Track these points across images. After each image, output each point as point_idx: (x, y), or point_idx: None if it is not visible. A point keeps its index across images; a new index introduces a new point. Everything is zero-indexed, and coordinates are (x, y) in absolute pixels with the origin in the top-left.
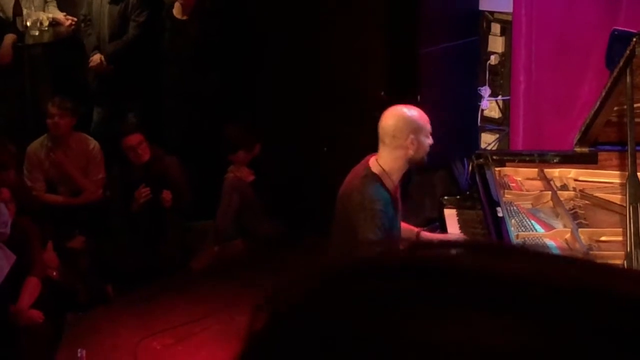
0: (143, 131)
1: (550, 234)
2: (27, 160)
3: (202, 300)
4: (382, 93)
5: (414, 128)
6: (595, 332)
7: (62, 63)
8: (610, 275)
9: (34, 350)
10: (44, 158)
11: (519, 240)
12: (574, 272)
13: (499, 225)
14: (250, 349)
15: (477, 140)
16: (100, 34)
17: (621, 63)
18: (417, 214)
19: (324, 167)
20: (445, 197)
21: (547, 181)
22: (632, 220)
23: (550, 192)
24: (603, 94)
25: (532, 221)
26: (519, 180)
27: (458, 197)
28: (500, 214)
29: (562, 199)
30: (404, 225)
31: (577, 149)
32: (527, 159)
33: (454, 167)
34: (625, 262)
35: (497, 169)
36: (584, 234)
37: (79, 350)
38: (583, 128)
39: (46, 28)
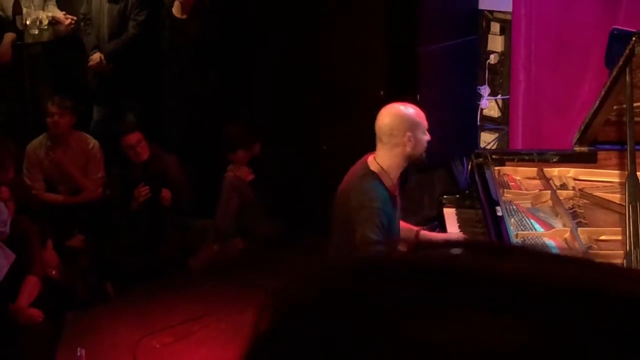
0: (142, 130)
1: (549, 233)
2: (26, 159)
3: (201, 299)
4: (382, 92)
5: (410, 125)
6: (595, 332)
7: (62, 62)
8: (610, 274)
9: (34, 349)
10: (43, 157)
11: (518, 240)
12: (574, 271)
13: (499, 224)
14: (253, 349)
15: (477, 139)
16: (100, 33)
17: (621, 62)
18: (416, 213)
19: (323, 167)
20: (445, 196)
21: (546, 180)
22: (631, 220)
23: (549, 191)
24: (602, 93)
25: (532, 220)
26: (519, 179)
27: (457, 196)
28: (499, 213)
29: (561, 198)
30: (403, 225)
31: (577, 148)
32: (527, 158)
33: (453, 166)
34: (624, 261)
35: (496, 168)
36: (583, 233)
37: (78, 349)
38: (582, 127)
39: (46, 27)
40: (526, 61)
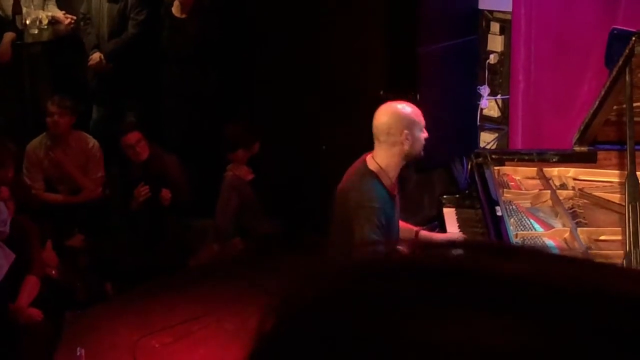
0: (142, 129)
1: (549, 233)
2: (26, 159)
3: (201, 298)
4: (382, 92)
5: (407, 123)
6: (595, 332)
7: (62, 61)
8: (610, 274)
9: (33, 348)
10: (43, 156)
11: (518, 239)
12: (574, 271)
13: (498, 224)
14: (256, 349)
15: (476, 139)
16: (100, 33)
17: (620, 62)
18: (416, 213)
19: (323, 167)
20: (445, 196)
21: (546, 180)
22: (631, 219)
23: (549, 191)
24: (602, 93)
25: (531, 220)
26: (518, 179)
27: (457, 196)
28: (499, 213)
29: (561, 198)
30: (403, 225)
31: (576, 148)
32: (526, 158)
33: (453, 166)
34: (624, 261)
35: (496, 168)
36: (583, 233)
37: (78, 348)
38: (582, 127)
39: (45, 26)
40: (526, 61)
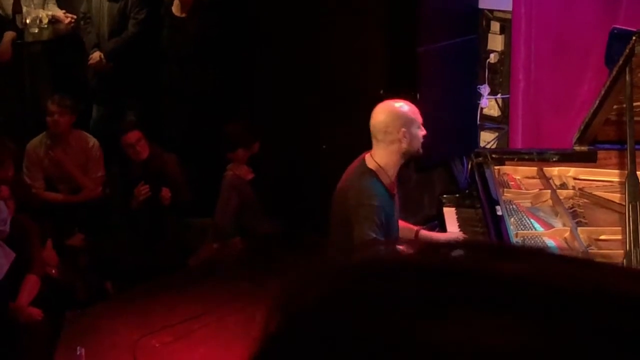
0: (142, 128)
1: (549, 233)
2: (26, 158)
3: (201, 298)
4: (382, 92)
5: (404, 121)
6: (595, 332)
7: (62, 61)
8: (610, 274)
9: (33, 347)
10: (43, 156)
11: (518, 239)
12: (574, 271)
13: (498, 223)
14: (259, 350)
15: (477, 138)
16: (100, 32)
17: (620, 61)
18: (416, 212)
19: (323, 166)
20: (445, 196)
21: (546, 180)
22: (631, 219)
23: (549, 191)
24: (602, 92)
25: (532, 220)
26: (518, 178)
27: (457, 195)
28: (499, 213)
29: (561, 197)
30: (402, 224)
31: (577, 148)
32: (527, 157)
33: (453, 165)
34: (624, 260)
35: (496, 167)
36: (583, 232)
37: (77, 347)
38: (582, 126)
39: (45, 26)
40: (526, 60)
